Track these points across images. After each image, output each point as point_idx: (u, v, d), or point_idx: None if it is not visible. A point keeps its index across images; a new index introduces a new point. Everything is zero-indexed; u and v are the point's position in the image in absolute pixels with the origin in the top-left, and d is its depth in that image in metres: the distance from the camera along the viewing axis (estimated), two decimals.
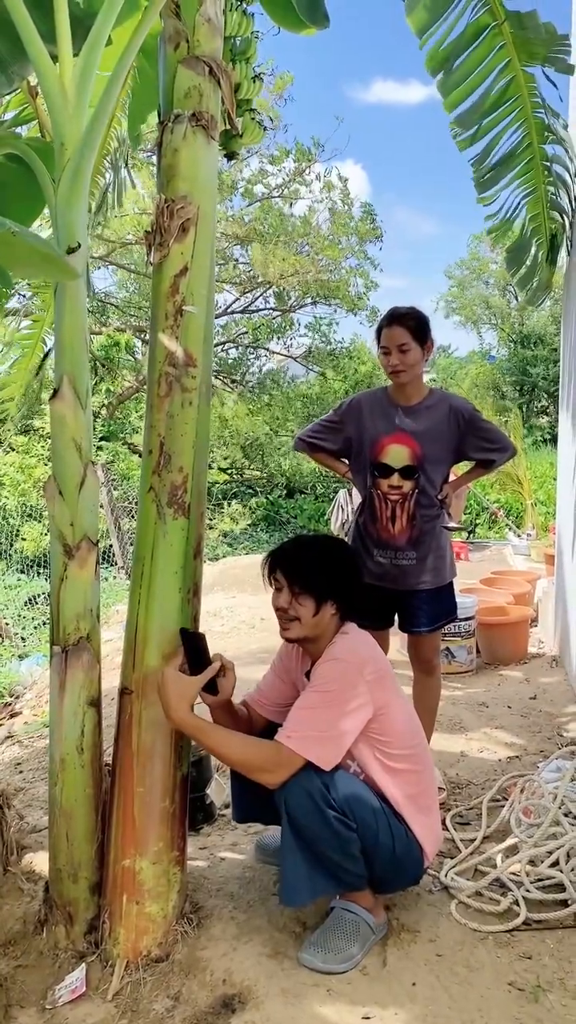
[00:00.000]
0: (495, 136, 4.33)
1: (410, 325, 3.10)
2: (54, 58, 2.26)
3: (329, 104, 56.11)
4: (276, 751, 2.18)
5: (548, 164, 4.47)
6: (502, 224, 4.76)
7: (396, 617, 3.42)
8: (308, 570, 2.33)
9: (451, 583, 3.37)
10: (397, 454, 3.15)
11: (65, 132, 2.24)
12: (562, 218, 4.79)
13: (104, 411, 15.14)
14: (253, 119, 3.38)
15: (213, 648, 2.39)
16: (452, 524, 3.24)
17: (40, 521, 10.48)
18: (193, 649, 2.29)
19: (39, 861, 2.74)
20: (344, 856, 2.22)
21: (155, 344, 2.37)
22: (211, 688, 2.33)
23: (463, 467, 3.60)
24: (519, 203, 4.69)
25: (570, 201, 4.74)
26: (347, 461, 3.40)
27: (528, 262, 4.96)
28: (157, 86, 3.26)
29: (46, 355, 5.27)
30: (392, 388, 3.25)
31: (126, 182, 4.61)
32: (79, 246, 2.26)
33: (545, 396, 25.34)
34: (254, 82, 3.34)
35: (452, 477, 3.37)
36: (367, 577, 3.25)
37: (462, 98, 4.16)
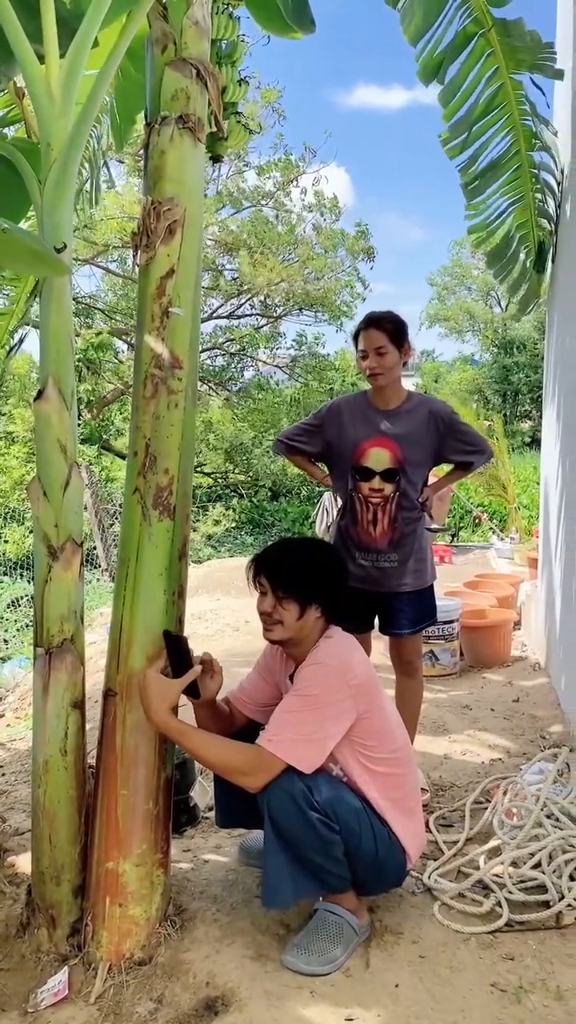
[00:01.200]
0: (483, 143, 4.38)
1: (387, 328, 3.12)
2: (40, 59, 2.25)
3: (312, 109, 56.31)
4: (257, 754, 2.18)
5: (536, 171, 4.51)
6: (483, 226, 4.79)
7: (376, 620, 3.43)
8: (292, 574, 2.34)
9: (432, 586, 3.39)
10: (378, 457, 3.17)
11: (51, 132, 2.23)
12: (550, 225, 4.83)
13: (87, 413, 15.10)
14: (238, 122, 3.39)
15: (197, 651, 2.40)
16: (435, 526, 3.26)
17: (21, 523, 10.43)
18: (176, 651, 2.28)
19: (22, 863, 2.73)
20: (327, 858, 2.22)
21: (141, 346, 2.37)
22: (193, 690, 2.33)
23: (442, 470, 3.61)
24: (506, 209, 4.73)
25: (556, 208, 4.78)
26: (323, 466, 3.41)
27: (517, 269, 5.00)
28: (142, 87, 3.28)
29: (10, 351, 5.21)
30: (372, 392, 3.26)
31: (101, 181, 4.59)
32: (65, 246, 2.25)
33: (528, 401, 25.49)
34: (240, 85, 3.35)
35: (432, 480, 3.39)
36: (349, 580, 3.25)
37: (457, 107, 4.21)
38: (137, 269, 2.43)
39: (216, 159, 3.41)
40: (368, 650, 3.42)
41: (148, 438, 2.33)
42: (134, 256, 2.42)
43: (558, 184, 4.70)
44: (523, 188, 4.60)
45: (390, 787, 2.33)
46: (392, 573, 3.24)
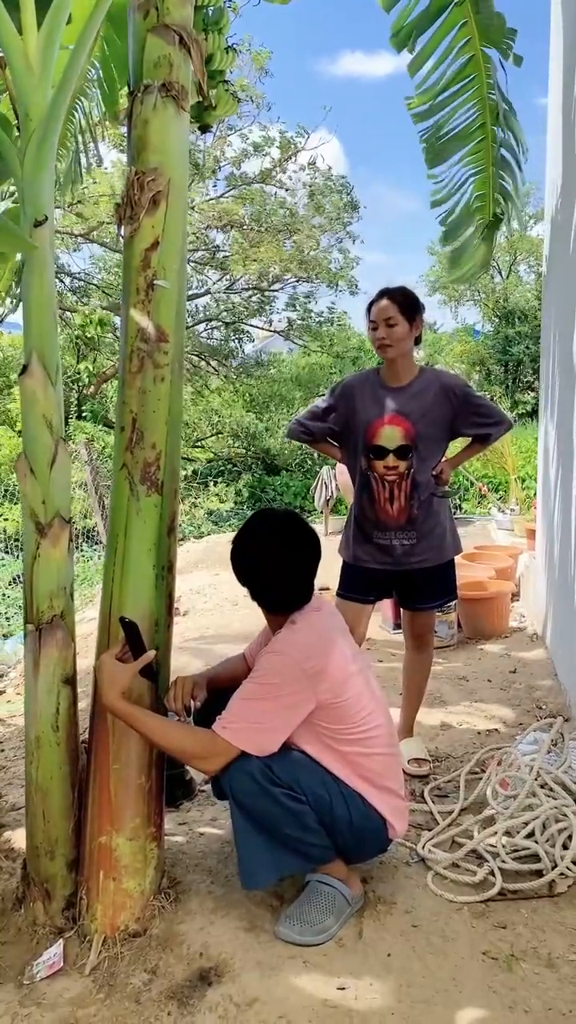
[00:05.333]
0: (449, 112, 4.29)
1: (398, 300, 3.09)
2: (18, 28, 2.21)
3: (299, 79, 55.46)
4: (211, 740, 2.18)
5: (497, 146, 4.43)
6: (445, 196, 4.71)
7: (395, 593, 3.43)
8: (234, 565, 2.37)
9: (452, 561, 3.36)
10: (391, 435, 3.14)
11: (30, 102, 2.20)
12: (504, 201, 4.76)
13: (87, 390, 15.06)
14: (227, 91, 3.33)
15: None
16: (441, 490, 3.23)
17: (17, 501, 10.43)
18: (132, 637, 2.26)
19: (17, 838, 2.75)
20: (303, 830, 2.23)
21: (127, 319, 2.34)
22: (150, 674, 2.31)
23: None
24: (465, 180, 4.64)
25: (516, 185, 4.69)
26: (338, 445, 3.39)
27: (463, 238, 4.92)
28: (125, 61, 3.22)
29: None
30: (383, 369, 3.24)
31: (91, 155, 4.53)
32: (46, 218, 2.22)
33: (530, 372, 25.31)
34: (227, 53, 3.30)
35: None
36: (368, 560, 3.25)
37: (427, 75, 4.12)
38: (117, 241, 2.40)
39: (204, 129, 3.36)
40: (366, 623, 3.42)
41: (134, 413, 2.31)
42: (118, 228, 2.39)
43: (516, 163, 4.62)
44: (484, 161, 4.53)
45: (360, 766, 2.31)
46: (411, 550, 3.22)
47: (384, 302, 3.09)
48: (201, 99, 2.83)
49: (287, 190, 15.44)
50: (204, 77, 2.56)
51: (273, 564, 2.31)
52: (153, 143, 2.32)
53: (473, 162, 4.52)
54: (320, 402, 3.36)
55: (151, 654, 2.26)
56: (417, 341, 3.18)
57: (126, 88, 3.74)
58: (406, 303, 3.10)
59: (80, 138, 4.20)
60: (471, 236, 4.91)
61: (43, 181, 2.21)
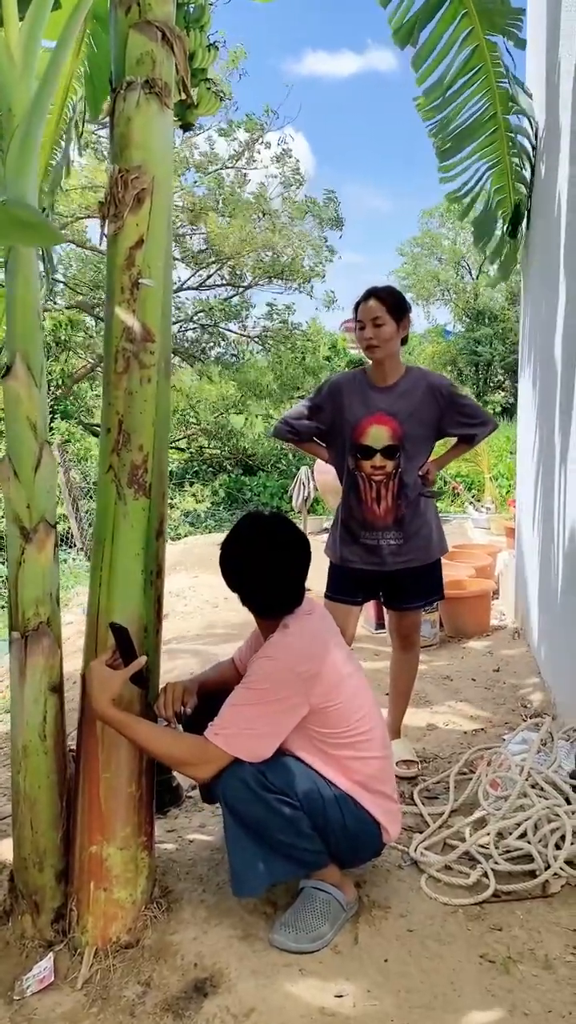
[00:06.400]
0: (459, 105, 4.31)
1: (386, 300, 3.08)
2: (0, 22, 2.17)
3: (264, 78, 55.36)
4: (203, 747, 2.14)
5: (512, 135, 4.44)
6: (466, 194, 4.74)
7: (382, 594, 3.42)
8: (223, 568, 2.34)
9: (439, 560, 3.36)
10: (378, 435, 3.13)
11: (13, 97, 2.15)
12: (525, 190, 4.77)
13: (59, 390, 14.94)
14: (209, 89, 3.31)
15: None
16: (430, 490, 3.23)
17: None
18: (122, 642, 2.22)
19: (3, 849, 2.69)
20: (297, 836, 2.20)
21: (111, 319, 2.30)
22: (141, 681, 2.28)
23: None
24: (484, 175, 4.66)
25: (532, 173, 4.72)
26: (325, 444, 3.36)
27: (496, 236, 4.95)
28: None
29: None
30: (370, 369, 3.22)
31: (72, 155, 4.48)
32: None
33: (500, 372, 25.51)
34: (209, 51, 3.27)
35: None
36: (355, 561, 3.23)
37: (431, 69, 4.15)
38: (104, 240, 2.36)
39: (187, 127, 3.33)
40: (355, 624, 3.41)
41: (121, 414, 2.27)
42: (102, 226, 2.35)
43: (532, 148, 4.65)
44: (500, 152, 4.54)
45: (352, 770, 2.29)
46: (398, 550, 3.20)
47: (371, 302, 3.07)
48: (184, 97, 2.80)
49: (260, 184, 15.44)
50: (188, 74, 2.52)
51: (261, 567, 2.27)
52: (136, 140, 2.28)
53: (488, 155, 4.52)
54: (307, 401, 3.34)
55: (142, 660, 2.21)
56: (404, 341, 3.17)
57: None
58: (394, 303, 3.08)
59: (74, 134, 4.16)
60: (502, 232, 4.92)
61: (27, 176, 2.16)
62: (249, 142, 14.81)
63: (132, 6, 2.33)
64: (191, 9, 3.17)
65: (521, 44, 3.99)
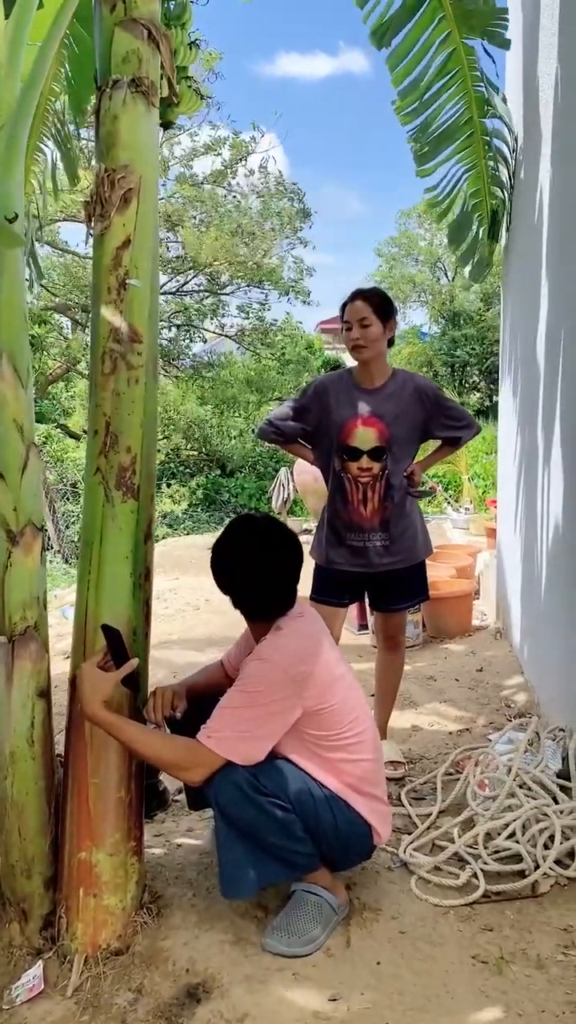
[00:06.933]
0: (436, 109, 4.31)
1: (372, 301, 3.08)
2: None
3: (237, 80, 55.46)
4: (195, 749, 2.13)
5: (488, 138, 4.46)
6: (443, 198, 4.75)
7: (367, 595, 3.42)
8: (216, 567, 2.32)
9: (423, 562, 3.36)
10: (365, 436, 3.12)
11: None
12: (503, 193, 4.79)
13: (34, 392, 14.83)
14: (190, 87, 3.29)
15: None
16: (418, 490, 3.23)
17: None
18: (114, 644, 2.20)
19: None
20: (289, 839, 2.19)
21: (98, 319, 2.28)
22: (132, 683, 2.26)
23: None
24: (460, 177, 4.68)
25: (510, 177, 4.74)
26: (310, 446, 3.36)
27: (469, 238, 4.96)
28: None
29: None
30: (357, 370, 3.22)
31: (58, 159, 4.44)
32: (16, 216, 2.15)
33: (476, 373, 25.64)
34: (190, 49, 3.25)
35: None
36: (341, 563, 3.23)
37: (406, 72, 4.14)
38: (89, 240, 2.34)
39: (167, 126, 3.30)
40: (340, 624, 3.41)
41: (108, 416, 2.24)
42: (88, 226, 2.33)
43: (511, 152, 4.67)
44: (476, 156, 4.56)
45: (344, 773, 2.28)
46: (385, 552, 3.20)
47: (358, 303, 3.07)
48: (167, 95, 2.78)
49: (238, 196, 15.42)
50: (174, 73, 2.51)
51: (255, 568, 2.26)
52: (123, 139, 2.26)
53: (465, 158, 4.54)
54: (292, 402, 3.33)
55: (134, 662, 2.20)
56: (391, 342, 3.17)
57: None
58: (380, 304, 3.08)
59: (54, 139, 4.12)
60: (476, 235, 4.94)
61: (13, 178, 2.12)
62: (232, 160, 14.80)
63: (117, 4, 2.31)
64: (172, 6, 3.14)
65: (506, 44, 4.00)
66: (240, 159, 14.83)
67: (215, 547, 2.32)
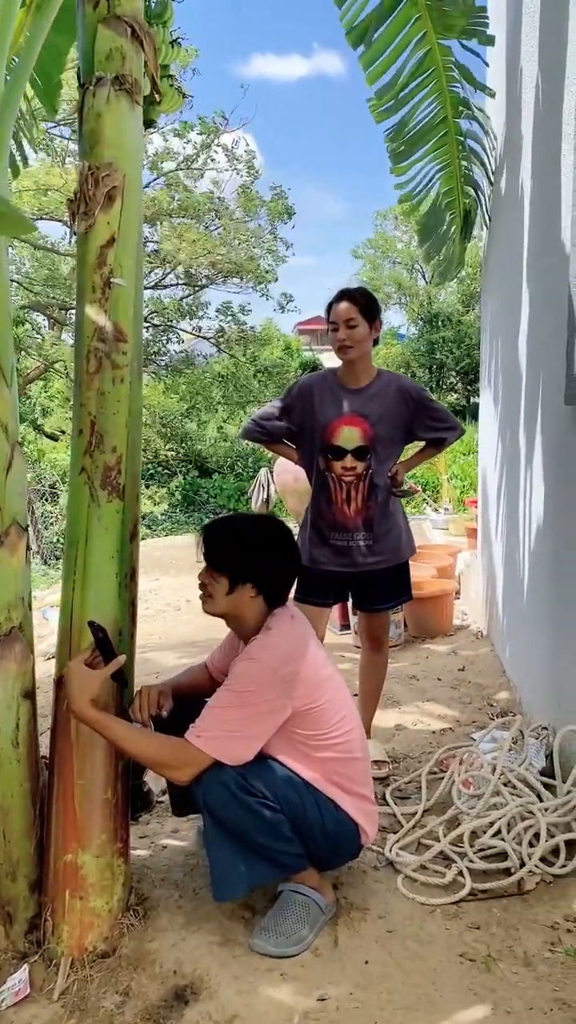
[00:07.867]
0: (411, 109, 4.33)
1: (359, 301, 3.08)
2: None
3: (212, 81, 55.44)
4: (183, 749, 2.12)
5: (462, 139, 4.48)
6: (415, 195, 4.77)
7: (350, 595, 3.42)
8: (224, 549, 2.29)
9: (407, 562, 3.36)
10: (349, 436, 3.13)
11: None
12: (476, 193, 4.82)
13: None
14: (172, 85, 3.27)
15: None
16: (400, 490, 3.24)
17: None
18: (102, 641, 2.19)
19: None
20: (277, 839, 2.18)
21: (82, 318, 2.27)
22: (120, 679, 2.25)
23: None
24: (433, 176, 4.70)
25: (487, 176, 4.77)
26: (294, 446, 3.35)
27: (438, 236, 4.98)
28: (59, 49, 3.13)
29: None
30: (341, 370, 3.22)
31: (28, 154, 4.40)
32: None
33: (454, 375, 25.78)
34: (172, 47, 3.23)
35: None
36: (325, 562, 3.23)
37: (381, 71, 4.14)
38: (72, 238, 2.32)
39: (148, 124, 3.29)
40: (324, 625, 3.41)
41: (93, 416, 2.23)
42: (71, 224, 2.31)
43: (490, 151, 4.70)
44: (450, 155, 4.58)
45: (332, 773, 2.28)
46: (368, 551, 3.20)
47: (344, 304, 3.07)
48: (151, 93, 2.77)
49: (214, 182, 15.34)
50: (157, 71, 2.49)
51: (277, 552, 2.33)
52: (107, 137, 2.25)
53: (438, 157, 4.55)
54: (277, 402, 3.32)
55: (121, 659, 2.18)
56: (376, 343, 3.17)
57: (60, 81, 3.66)
58: (366, 304, 3.09)
59: (25, 132, 4.08)
60: (446, 233, 4.95)
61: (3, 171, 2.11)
62: (203, 145, 14.72)
63: (100, 1, 2.30)
64: (153, 4, 3.13)
65: (490, 41, 4.01)
66: (210, 142, 14.71)
67: (235, 534, 2.33)
